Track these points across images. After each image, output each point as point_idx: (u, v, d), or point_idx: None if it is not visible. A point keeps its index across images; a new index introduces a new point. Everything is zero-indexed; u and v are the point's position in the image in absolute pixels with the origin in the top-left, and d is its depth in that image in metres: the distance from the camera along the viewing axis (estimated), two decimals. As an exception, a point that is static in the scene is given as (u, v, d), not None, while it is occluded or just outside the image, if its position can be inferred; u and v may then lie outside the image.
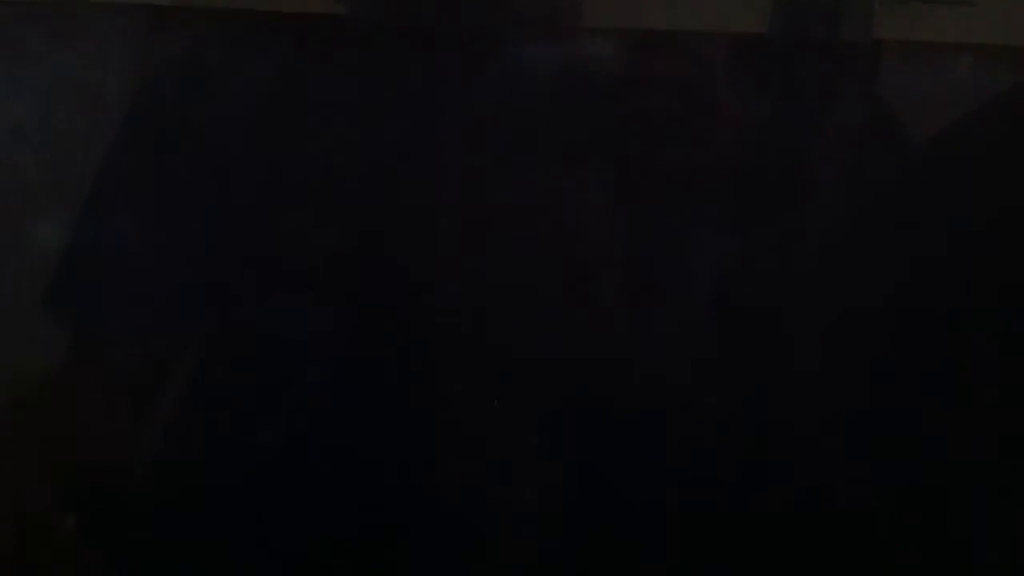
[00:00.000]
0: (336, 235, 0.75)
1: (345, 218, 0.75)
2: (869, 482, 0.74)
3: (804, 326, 0.74)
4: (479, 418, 0.75)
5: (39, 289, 0.77)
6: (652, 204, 0.74)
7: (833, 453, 0.74)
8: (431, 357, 0.75)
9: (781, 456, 0.75)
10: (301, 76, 0.75)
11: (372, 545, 0.76)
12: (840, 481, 0.74)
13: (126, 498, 0.77)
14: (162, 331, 0.77)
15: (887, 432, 0.74)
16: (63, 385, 0.78)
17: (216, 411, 0.77)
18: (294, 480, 0.76)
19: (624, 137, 0.74)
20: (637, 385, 0.75)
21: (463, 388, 0.75)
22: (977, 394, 0.74)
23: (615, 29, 0.74)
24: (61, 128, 0.77)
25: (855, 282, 0.74)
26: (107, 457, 0.78)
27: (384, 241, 0.75)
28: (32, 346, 0.78)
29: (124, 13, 0.76)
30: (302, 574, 0.77)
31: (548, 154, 0.74)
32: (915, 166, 0.75)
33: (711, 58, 0.74)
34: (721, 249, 0.74)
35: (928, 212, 0.74)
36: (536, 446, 0.76)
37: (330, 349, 0.76)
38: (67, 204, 0.77)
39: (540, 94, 0.73)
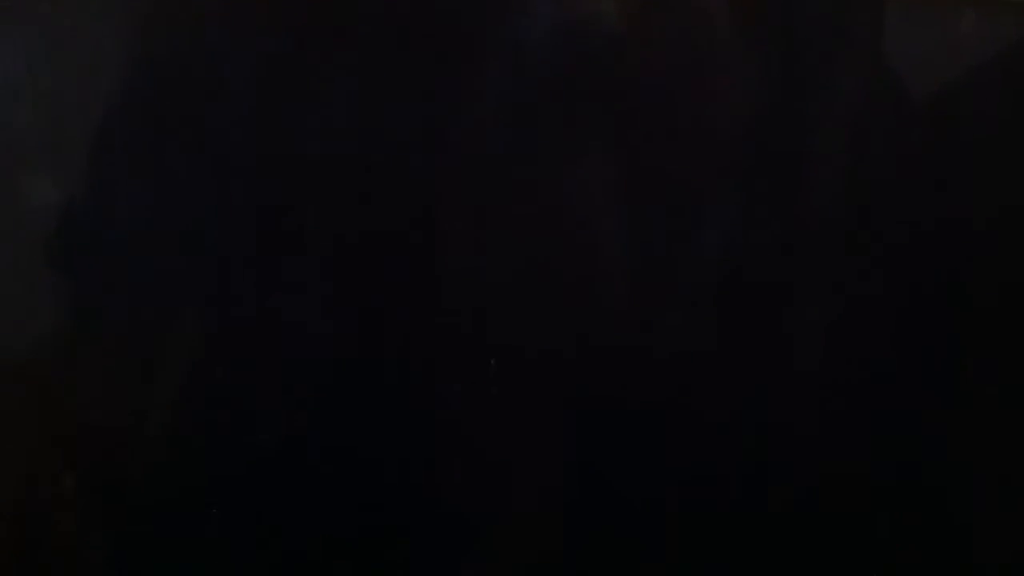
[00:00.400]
0: (341, 199, 0.75)
1: (348, 185, 0.75)
2: (887, 474, 0.74)
3: (812, 296, 0.74)
4: (488, 408, 0.75)
5: (37, 252, 0.76)
6: (656, 165, 0.74)
7: (849, 444, 0.74)
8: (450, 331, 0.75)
9: (796, 451, 0.74)
10: (303, 39, 0.74)
11: (383, 538, 0.76)
12: (856, 475, 0.74)
13: (128, 465, 0.76)
14: (162, 294, 0.76)
15: (910, 414, 0.73)
16: (62, 349, 0.77)
17: (219, 387, 0.77)
18: (298, 455, 0.75)
19: (626, 97, 0.73)
20: (659, 365, 0.74)
21: (472, 367, 0.74)
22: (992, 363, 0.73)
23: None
24: (59, 88, 0.76)
25: (861, 244, 0.73)
26: (108, 424, 0.77)
27: (388, 211, 0.74)
28: (30, 309, 0.77)
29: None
30: (310, 567, 0.76)
31: (549, 116, 0.73)
32: (919, 122, 0.74)
33: (712, 12, 0.73)
34: (723, 211, 0.73)
35: (932, 170, 0.73)
36: (551, 441, 0.75)
37: (335, 317, 0.75)
38: (65, 165, 0.77)
39: (541, 53, 0.73)
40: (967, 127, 0.74)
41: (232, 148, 0.75)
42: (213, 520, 0.76)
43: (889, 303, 0.74)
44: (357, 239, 0.74)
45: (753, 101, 0.73)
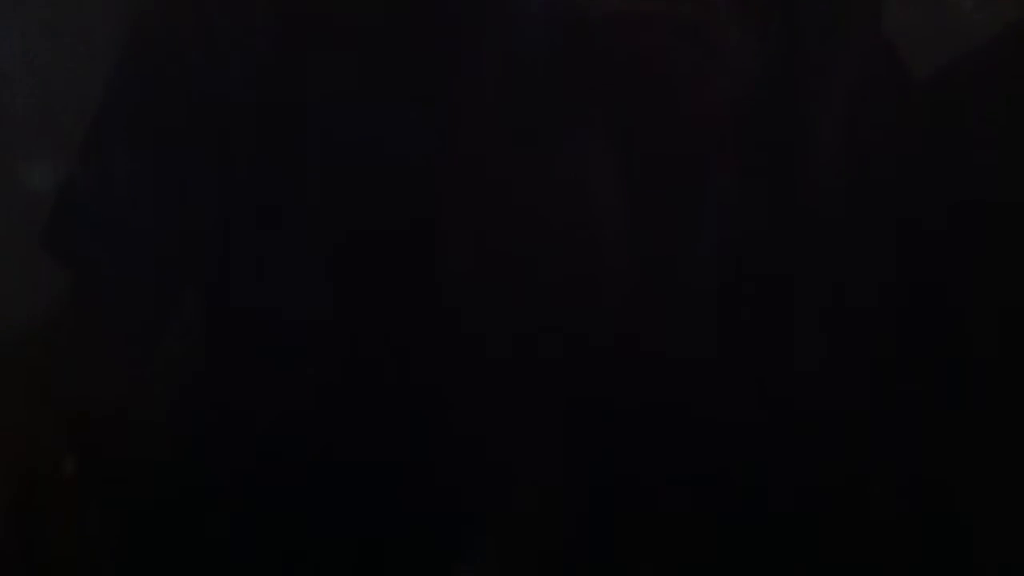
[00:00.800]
0: (333, 178, 0.74)
1: (341, 160, 0.74)
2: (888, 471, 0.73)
3: (813, 283, 0.73)
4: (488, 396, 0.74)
5: (34, 235, 0.77)
6: (655, 151, 0.73)
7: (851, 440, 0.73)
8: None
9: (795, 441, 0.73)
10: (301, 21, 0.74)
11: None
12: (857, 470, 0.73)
13: (127, 446, 0.76)
14: (160, 274, 0.76)
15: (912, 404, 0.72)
16: (60, 328, 0.77)
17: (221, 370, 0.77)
18: (295, 445, 0.75)
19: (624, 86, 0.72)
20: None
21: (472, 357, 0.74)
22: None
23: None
24: (56, 66, 0.77)
25: (862, 223, 0.72)
26: (109, 402, 0.76)
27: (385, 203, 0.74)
28: (27, 289, 0.78)
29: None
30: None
31: (547, 99, 0.73)
32: (919, 103, 0.74)
33: None
34: (721, 198, 0.73)
35: (933, 150, 0.72)
36: (552, 434, 0.74)
37: (335, 300, 0.75)
38: (62, 149, 0.77)
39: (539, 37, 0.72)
40: (967, 108, 0.73)
41: (230, 133, 0.74)
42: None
43: (891, 288, 0.72)
44: (354, 227, 0.74)
45: (752, 84, 0.72)
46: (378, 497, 0.74)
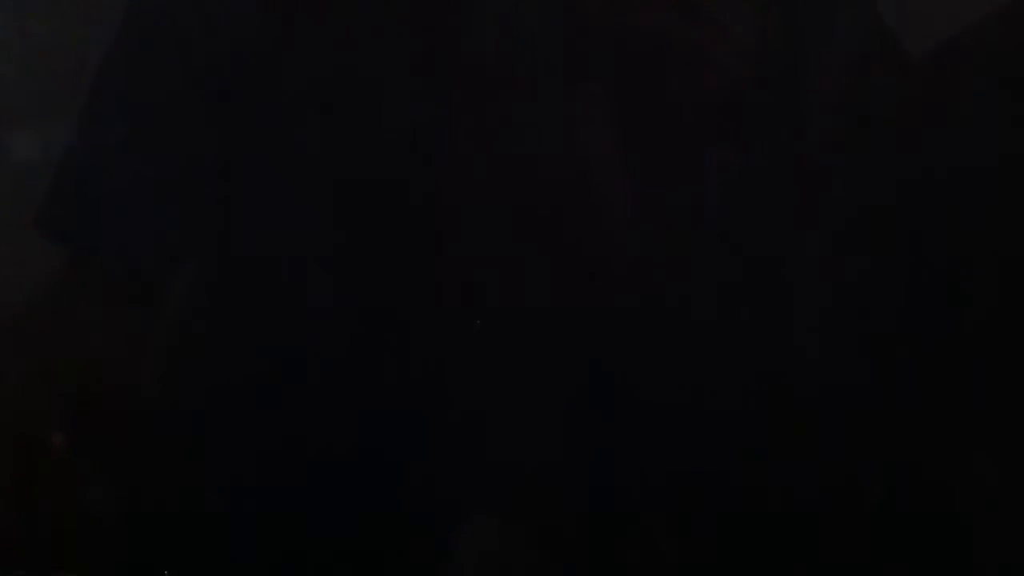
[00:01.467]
0: (332, 153, 0.74)
1: (341, 136, 0.74)
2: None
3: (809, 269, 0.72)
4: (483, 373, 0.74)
5: (25, 210, 0.77)
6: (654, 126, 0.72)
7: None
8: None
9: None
10: None
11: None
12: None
13: (124, 424, 0.76)
14: (155, 254, 0.76)
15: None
16: (55, 307, 0.77)
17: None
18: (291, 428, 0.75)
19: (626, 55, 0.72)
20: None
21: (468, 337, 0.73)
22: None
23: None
24: (51, 45, 0.77)
25: (858, 205, 0.72)
26: (104, 382, 0.77)
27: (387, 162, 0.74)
28: (22, 268, 0.77)
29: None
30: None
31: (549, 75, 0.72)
32: (915, 80, 0.73)
33: None
34: (720, 172, 0.72)
35: (928, 130, 0.72)
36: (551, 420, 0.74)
37: (327, 267, 0.74)
38: (57, 121, 0.76)
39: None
40: (965, 85, 0.72)
41: (227, 106, 0.74)
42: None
43: (889, 269, 0.72)
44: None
45: (747, 59, 0.72)
46: (378, 497, 0.74)
